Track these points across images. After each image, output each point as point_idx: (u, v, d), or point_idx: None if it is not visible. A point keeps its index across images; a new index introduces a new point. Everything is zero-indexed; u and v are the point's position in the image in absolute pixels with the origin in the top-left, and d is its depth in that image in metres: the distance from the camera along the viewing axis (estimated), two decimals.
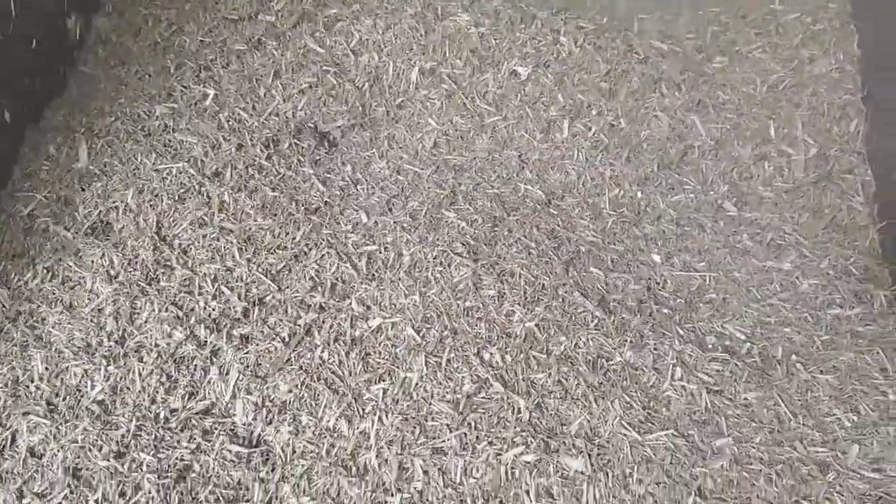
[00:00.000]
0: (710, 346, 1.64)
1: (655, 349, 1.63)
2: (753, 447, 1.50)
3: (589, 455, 1.50)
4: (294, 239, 1.75)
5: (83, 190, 1.76)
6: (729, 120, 1.97)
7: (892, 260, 1.73)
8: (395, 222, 1.79)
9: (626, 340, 1.63)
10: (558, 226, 1.81)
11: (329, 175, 1.87)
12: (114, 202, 1.74)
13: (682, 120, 1.97)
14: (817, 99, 2.00)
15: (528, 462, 1.49)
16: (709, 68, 2.06)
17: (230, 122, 1.89)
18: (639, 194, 1.87)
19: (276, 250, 1.74)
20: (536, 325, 1.65)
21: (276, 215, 1.78)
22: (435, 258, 1.74)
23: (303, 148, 1.90)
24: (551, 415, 1.55)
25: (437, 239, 1.76)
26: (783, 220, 1.83)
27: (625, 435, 1.52)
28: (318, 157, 1.90)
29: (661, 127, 1.95)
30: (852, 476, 1.46)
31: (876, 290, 1.70)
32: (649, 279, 1.74)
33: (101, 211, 1.73)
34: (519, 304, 1.67)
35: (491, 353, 1.62)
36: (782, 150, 1.93)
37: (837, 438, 1.51)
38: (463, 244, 1.76)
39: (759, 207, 1.86)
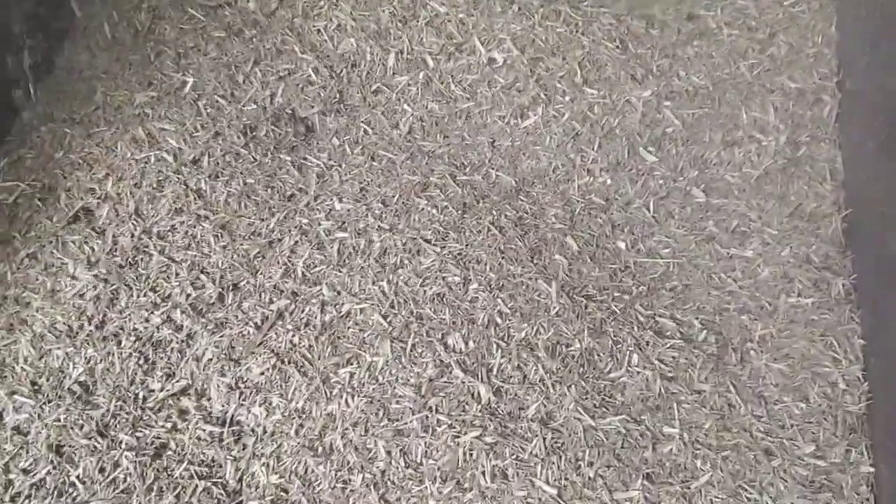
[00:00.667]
0: (667, 334, 1.68)
1: (614, 336, 1.68)
2: (703, 433, 1.56)
3: (544, 439, 1.56)
4: (268, 226, 1.81)
5: (65, 178, 1.82)
6: (702, 106, 1.99)
7: (853, 248, 1.75)
8: (367, 209, 1.84)
9: (585, 327, 1.68)
10: (526, 213, 1.85)
11: (305, 161, 1.92)
12: (94, 190, 1.81)
13: (656, 106, 1.99)
14: (791, 83, 2.00)
15: (486, 444, 1.56)
16: (684, 53, 2.06)
17: (208, 110, 1.94)
18: (608, 181, 1.90)
19: (251, 237, 1.80)
20: (499, 311, 1.70)
21: (251, 202, 1.83)
22: (404, 245, 1.79)
23: (280, 135, 1.95)
24: (510, 399, 1.61)
25: (408, 226, 1.81)
26: (749, 207, 1.86)
27: (579, 419, 1.58)
28: (294, 144, 1.95)
29: (633, 114, 1.97)
30: (796, 462, 1.51)
31: (834, 278, 1.73)
32: (613, 266, 1.78)
33: (82, 199, 1.80)
34: (483, 290, 1.72)
35: (454, 339, 1.68)
36: (753, 135, 1.94)
37: (785, 425, 1.56)
38: (432, 231, 1.81)
39: (726, 194, 1.88)
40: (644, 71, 2.01)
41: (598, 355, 1.66)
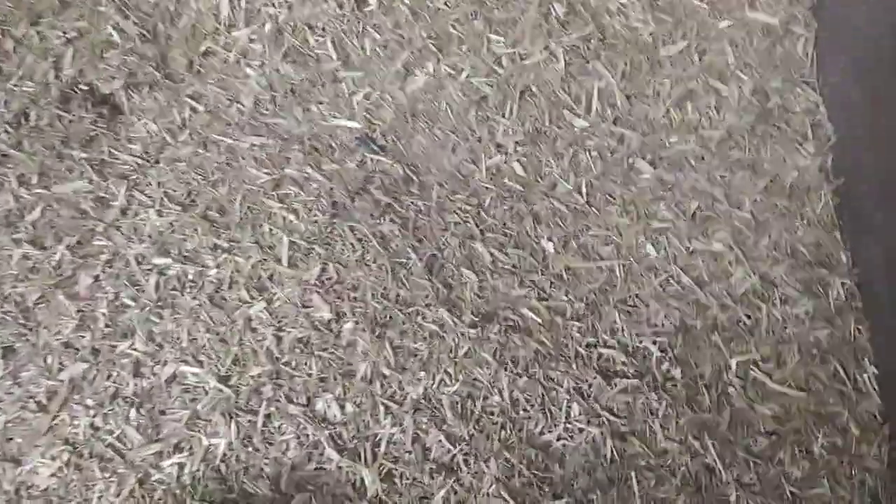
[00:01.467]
0: (617, 370, 1.24)
1: (546, 379, 1.22)
2: None
3: None
4: (54, 257, 1.28)
5: None
6: (642, 51, 1.51)
7: (851, 232, 1.33)
8: (197, 221, 1.32)
9: (506, 370, 1.22)
10: (419, 211, 1.36)
11: (109, 159, 1.38)
12: None
13: (582, 55, 1.50)
14: (755, 13, 1.54)
15: None
16: None
17: None
18: (526, 160, 1.42)
19: (29, 276, 1.26)
20: (386, 357, 1.22)
21: (27, 226, 1.29)
22: (251, 270, 1.28)
23: (70, 122, 1.39)
24: (406, 487, 1.15)
25: (255, 242, 1.30)
26: (712, 183, 1.41)
27: None
28: (92, 134, 1.40)
29: (555, 65, 1.48)
30: None
31: (831, 276, 1.30)
32: (539, 277, 1.32)
33: None
34: (364, 329, 1.24)
35: (325, 404, 1.20)
36: (710, 85, 1.49)
37: (783, 495, 1.14)
38: (290, 246, 1.30)
39: (681, 166, 1.43)
40: (565, 8, 1.51)
41: (526, 410, 1.20)
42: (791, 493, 1.12)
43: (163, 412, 1.19)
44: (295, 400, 1.20)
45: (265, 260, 1.29)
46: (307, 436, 1.17)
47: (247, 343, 1.23)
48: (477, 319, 1.26)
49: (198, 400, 1.20)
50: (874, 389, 1.19)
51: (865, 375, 1.20)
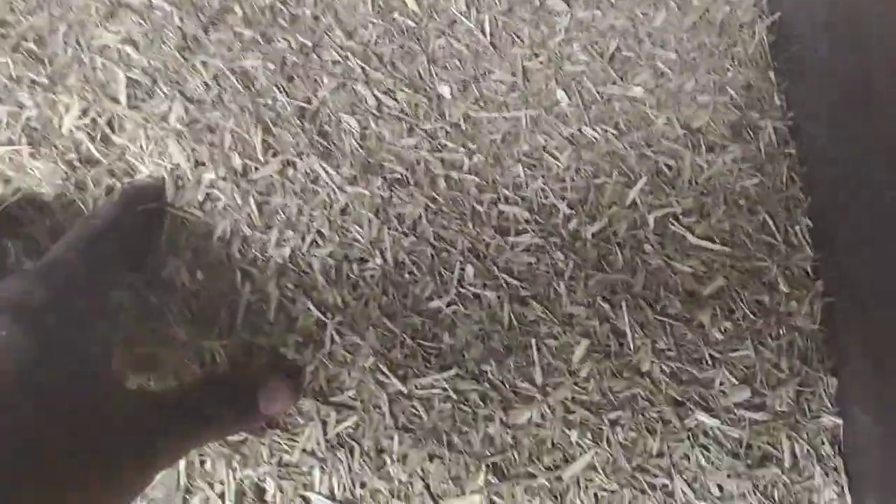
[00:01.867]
0: (519, 228, 1.06)
1: (436, 239, 1.04)
2: (579, 385, 0.98)
3: (324, 423, 0.94)
4: None
5: None
6: None
7: (787, 73, 1.16)
8: (8, 55, 1.07)
9: (389, 229, 1.03)
10: (292, 48, 1.14)
11: None
12: None
13: None
14: None
15: (230, 447, 0.92)
16: None
17: None
18: None
19: None
20: (249, 214, 1.02)
21: None
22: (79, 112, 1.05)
23: None
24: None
25: (84, 78, 1.06)
26: (632, 20, 1.22)
27: (382, 384, 0.96)
28: None
29: None
30: (722, 418, 0.97)
31: (763, 119, 1.14)
32: (432, 126, 1.12)
33: None
34: (226, 180, 1.03)
35: (174, 268, 0.99)
36: None
37: (701, 358, 1.00)
38: (129, 83, 1.07)
39: (598, 2, 1.23)
40: None
41: (412, 273, 1.03)
42: (710, 356, 0.99)
43: None
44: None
45: (97, 99, 1.05)
46: (148, 306, 0.97)
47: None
48: (357, 172, 1.06)
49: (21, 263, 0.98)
50: (806, 242, 1.05)
51: (797, 227, 1.06)
